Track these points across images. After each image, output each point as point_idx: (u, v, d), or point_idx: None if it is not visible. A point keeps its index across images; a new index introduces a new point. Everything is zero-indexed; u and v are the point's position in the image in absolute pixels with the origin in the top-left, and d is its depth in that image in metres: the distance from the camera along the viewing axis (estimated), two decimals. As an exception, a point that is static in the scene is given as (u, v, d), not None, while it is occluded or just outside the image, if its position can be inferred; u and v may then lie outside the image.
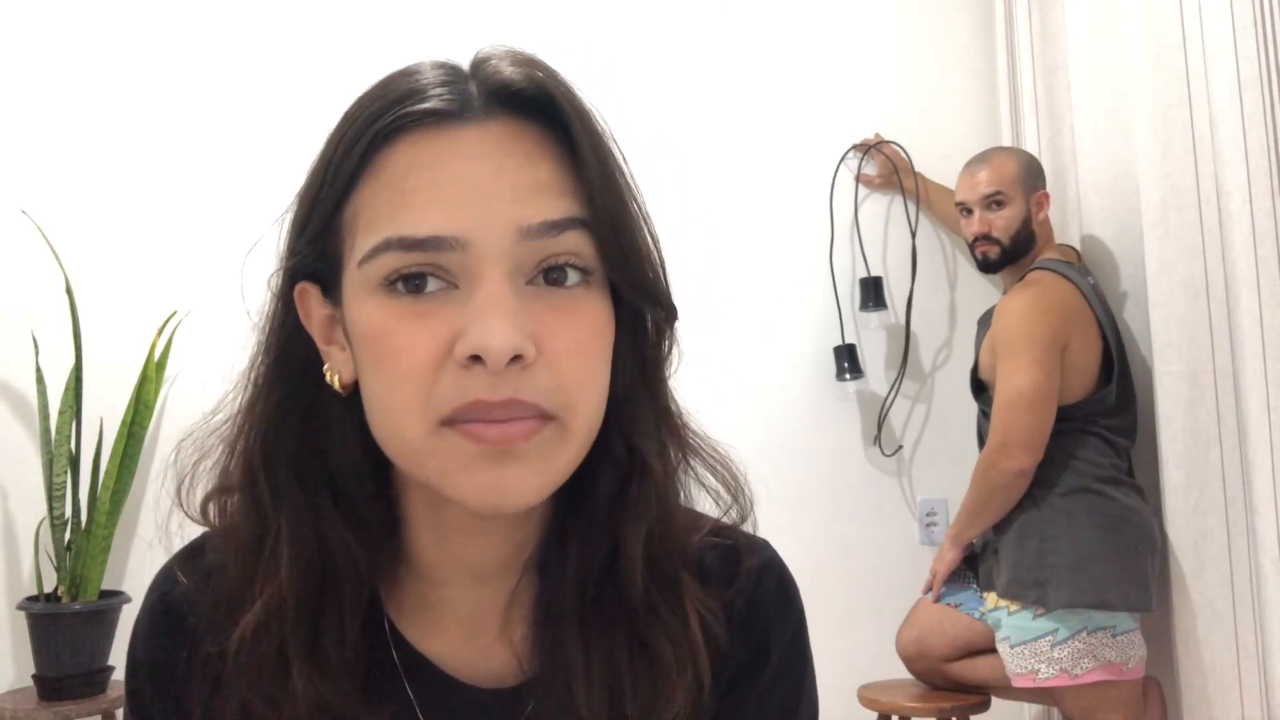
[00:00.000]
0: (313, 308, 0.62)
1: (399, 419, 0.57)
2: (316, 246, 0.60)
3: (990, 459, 2.21)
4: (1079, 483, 2.17)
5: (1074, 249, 2.46)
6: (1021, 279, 2.33)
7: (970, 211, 2.38)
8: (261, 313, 0.64)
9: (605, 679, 0.63)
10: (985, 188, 2.34)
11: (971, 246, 2.41)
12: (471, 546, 0.65)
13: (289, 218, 0.63)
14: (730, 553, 0.70)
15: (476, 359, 0.55)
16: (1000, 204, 2.33)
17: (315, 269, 0.61)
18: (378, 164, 0.58)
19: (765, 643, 0.69)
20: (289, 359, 0.63)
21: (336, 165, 0.59)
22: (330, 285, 0.61)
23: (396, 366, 0.56)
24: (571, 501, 0.64)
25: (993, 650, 2.26)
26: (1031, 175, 2.37)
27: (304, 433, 0.63)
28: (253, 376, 0.64)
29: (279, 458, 0.62)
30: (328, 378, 0.62)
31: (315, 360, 0.63)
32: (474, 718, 0.66)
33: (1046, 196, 2.36)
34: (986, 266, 2.41)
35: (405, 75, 0.60)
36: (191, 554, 0.68)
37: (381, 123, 0.57)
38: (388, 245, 0.56)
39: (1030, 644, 2.14)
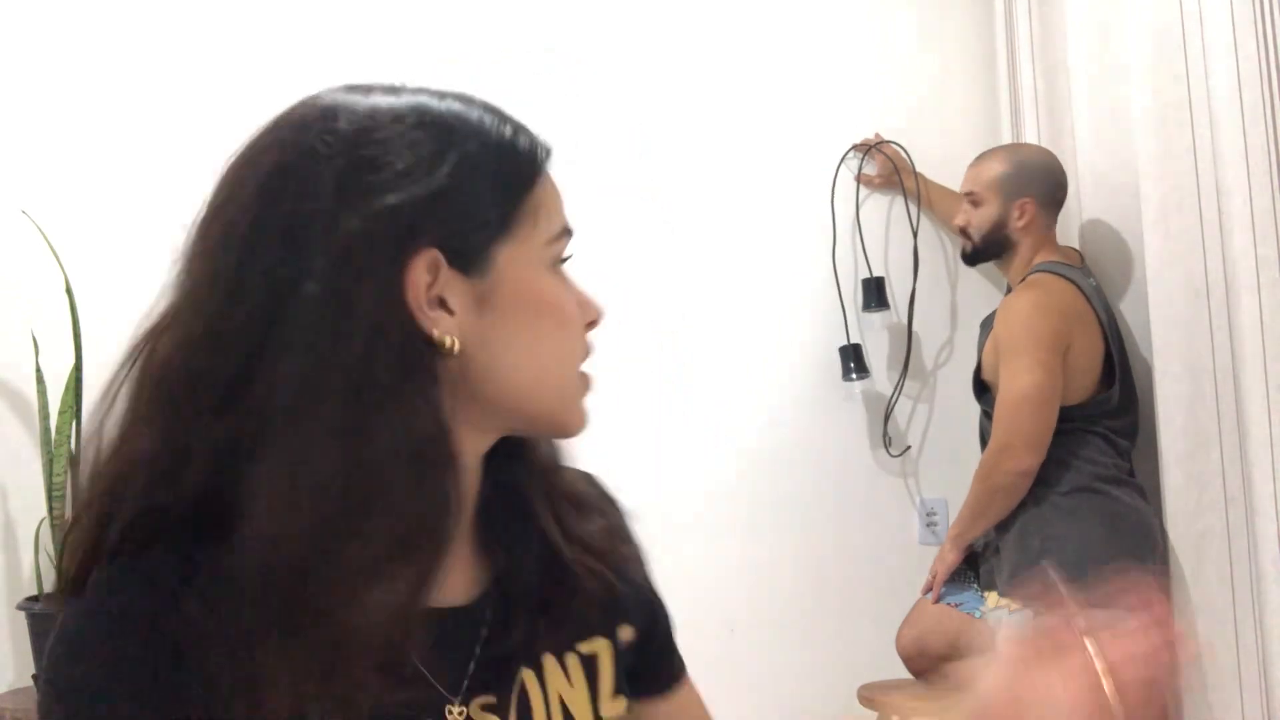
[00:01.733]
0: (421, 275, 0.64)
1: (565, 366, 0.72)
2: (495, 221, 0.68)
3: (993, 460, 2.21)
4: (1081, 482, 2.17)
5: (1076, 250, 2.46)
6: (1024, 280, 2.33)
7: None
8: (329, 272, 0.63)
9: (534, 585, 0.75)
10: (963, 185, 2.44)
11: None
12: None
13: (428, 185, 0.64)
14: (586, 476, 0.86)
15: (592, 323, 0.74)
16: (976, 203, 2.39)
17: (454, 239, 0.66)
18: (545, 175, 0.72)
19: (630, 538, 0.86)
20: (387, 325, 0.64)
21: (510, 163, 0.69)
22: (471, 256, 0.66)
23: (569, 325, 0.71)
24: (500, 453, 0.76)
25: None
26: (1019, 181, 2.35)
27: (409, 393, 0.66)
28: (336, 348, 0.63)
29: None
30: (446, 343, 0.65)
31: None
32: (435, 635, 0.69)
33: (1030, 205, 2.34)
34: (964, 257, 2.49)
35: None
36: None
37: (546, 145, 0.72)
38: (565, 231, 0.72)
39: (1031, 642, 2.13)
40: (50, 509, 2.35)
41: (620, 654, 0.79)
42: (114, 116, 2.65)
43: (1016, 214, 2.34)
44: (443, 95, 0.70)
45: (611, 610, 0.79)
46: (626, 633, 0.80)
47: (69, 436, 2.39)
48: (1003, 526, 2.25)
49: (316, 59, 2.68)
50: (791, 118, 2.86)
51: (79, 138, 2.63)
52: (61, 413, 2.39)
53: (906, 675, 2.44)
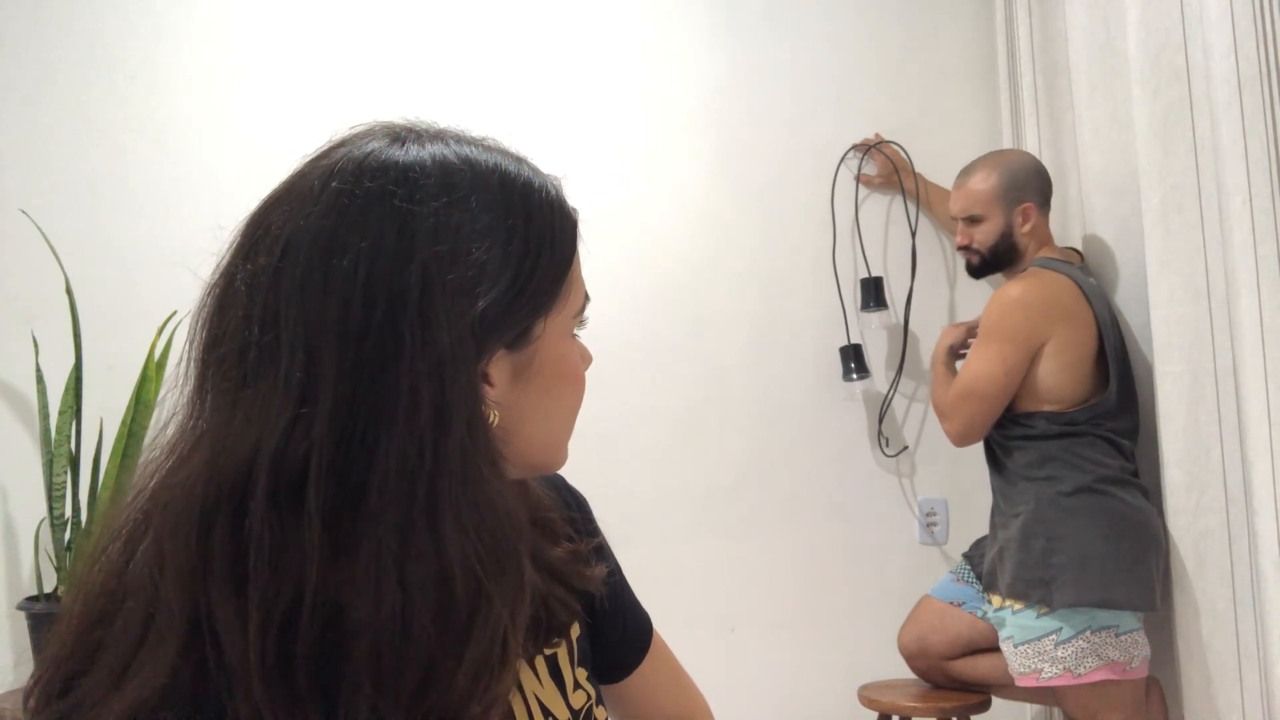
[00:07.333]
0: (489, 367, 0.67)
1: (573, 421, 0.75)
2: (548, 300, 0.69)
3: (939, 409, 2.34)
4: (1084, 483, 2.17)
5: (1076, 251, 2.46)
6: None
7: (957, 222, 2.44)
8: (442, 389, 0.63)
9: None
10: (958, 208, 2.40)
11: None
12: None
13: (505, 283, 0.66)
14: (551, 484, 0.89)
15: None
16: (977, 221, 2.37)
17: (517, 327, 0.68)
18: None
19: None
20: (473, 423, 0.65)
21: (563, 240, 0.71)
22: (522, 335, 0.68)
23: (581, 385, 0.74)
24: None
25: (994, 649, 2.26)
26: (1014, 188, 2.33)
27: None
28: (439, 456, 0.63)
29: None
30: (492, 419, 0.66)
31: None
32: None
33: (1032, 209, 2.33)
34: (971, 272, 2.46)
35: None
36: None
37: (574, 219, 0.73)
38: (588, 298, 0.75)
39: (1034, 643, 2.14)
40: (50, 509, 2.35)
41: (574, 648, 0.84)
42: (114, 116, 2.65)
43: (1020, 220, 2.34)
44: (488, 151, 0.70)
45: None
46: (575, 630, 0.85)
47: (69, 436, 2.39)
48: (1006, 528, 2.25)
49: (316, 59, 2.69)
50: (792, 117, 2.87)
51: (79, 138, 2.63)
52: (61, 413, 2.39)
53: (907, 675, 2.44)
